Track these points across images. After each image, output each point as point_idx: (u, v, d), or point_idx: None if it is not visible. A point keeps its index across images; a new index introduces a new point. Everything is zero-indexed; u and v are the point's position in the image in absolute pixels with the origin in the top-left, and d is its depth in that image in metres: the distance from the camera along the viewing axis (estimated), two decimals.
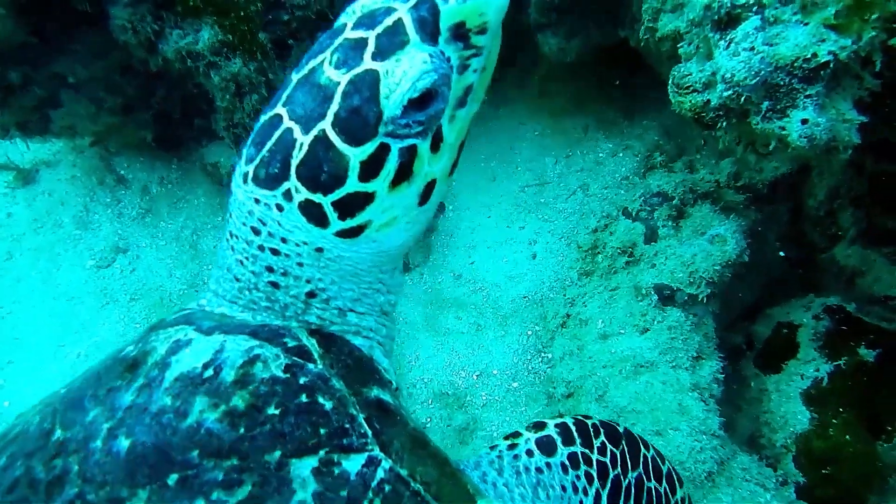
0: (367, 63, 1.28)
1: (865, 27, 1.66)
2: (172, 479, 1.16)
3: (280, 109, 1.35)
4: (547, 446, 1.68)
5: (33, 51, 3.25)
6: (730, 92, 1.78)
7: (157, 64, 3.50)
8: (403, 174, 1.36)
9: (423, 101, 1.30)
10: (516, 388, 3.30)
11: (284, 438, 1.24)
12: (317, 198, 1.34)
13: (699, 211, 2.78)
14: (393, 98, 1.27)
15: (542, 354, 3.22)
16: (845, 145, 1.77)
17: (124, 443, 1.19)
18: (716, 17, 1.82)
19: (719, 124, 1.89)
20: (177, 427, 1.21)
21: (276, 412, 1.26)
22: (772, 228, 2.94)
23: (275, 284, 1.46)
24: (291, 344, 1.39)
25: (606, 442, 1.75)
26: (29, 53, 3.25)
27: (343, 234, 1.40)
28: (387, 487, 1.26)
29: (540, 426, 1.74)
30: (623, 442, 1.79)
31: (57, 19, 3.20)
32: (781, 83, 1.73)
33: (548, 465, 1.66)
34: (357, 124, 1.29)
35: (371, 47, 1.29)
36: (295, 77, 1.36)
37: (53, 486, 1.17)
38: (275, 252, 1.44)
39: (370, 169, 1.32)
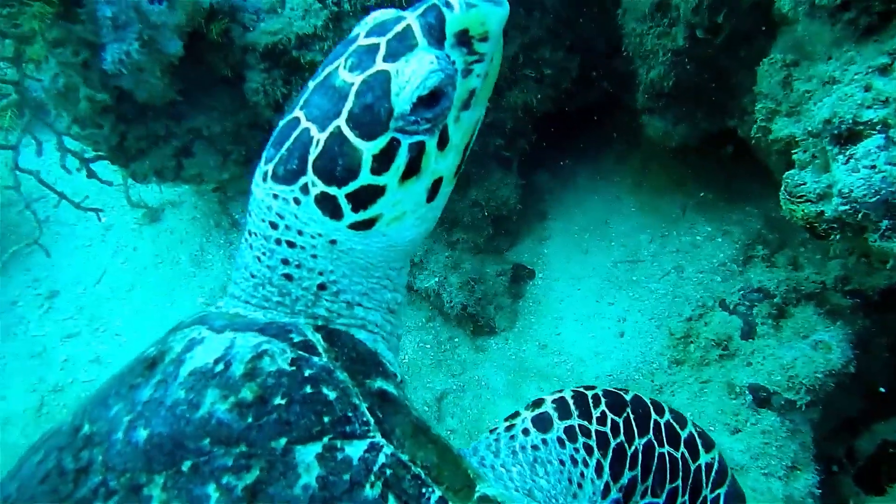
0: (379, 65, 1.38)
1: None
2: (186, 465, 1.23)
3: (298, 112, 1.44)
4: (543, 423, 1.68)
5: (178, 107, 3.54)
6: (846, 207, 1.74)
7: None
8: (413, 169, 1.42)
9: (430, 100, 1.37)
10: None
11: (290, 426, 1.29)
12: (332, 190, 1.41)
13: (802, 312, 2.68)
14: (403, 95, 1.35)
15: None
16: None
17: (143, 433, 1.27)
18: (836, 131, 1.79)
19: (833, 236, 1.84)
20: (190, 418, 1.28)
21: (283, 402, 1.32)
22: (881, 338, 2.78)
23: (288, 277, 1.53)
24: (297, 339, 1.45)
25: (607, 411, 1.72)
26: (174, 110, 3.54)
27: (356, 226, 1.46)
28: (388, 471, 1.30)
29: (538, 403, 1.73)
30: (629, 409, 1.75)
31: (201, 82, 3.48)
32: None
33: (544, 441, 1.66)
34: (370, 119, 1.37)
35: (382, 51, 1.38)
36: (312, 83, 1.45)
37: (80, 475, 1.25)
38: (291, 244, 1.51)
39: (382, 162, 1.40)
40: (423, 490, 1.31)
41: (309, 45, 3.49)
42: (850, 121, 1.76)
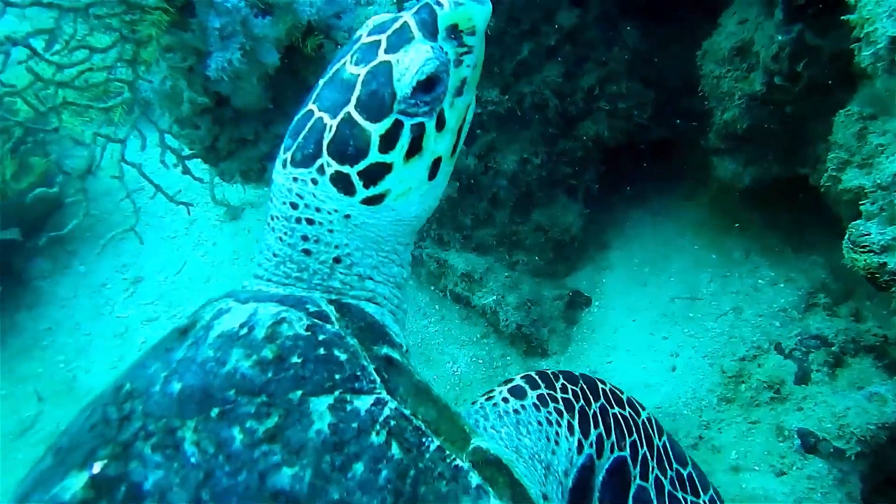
0: (381, 56, 1.58)
1: None
2: (214, 412, 1.39)
3: (311, 106, 1.63)
4: (518, 392, 1.88)
5: (268, 114, 3.75)
6: None
7: None
8: (415, 148, 1.62)
9: (428, 85, 1.58)
10: None
11: (305, 381, 1.44)
12: (345, 169, 1.59)
13: (859, 363, 2.65)
14: (404, 80, 1.56)
15: None
16: None
17: (177, 386, 1.43)
18: None
19: (893, 288, 1.85)
20: (217, 372, 1.44)
21: (299, 361, 1.46)
22: None
23: (307, 252, 1.69)
24: (312, 309, 1.59)
25: (566, 383, 1.94)
26: (264, 116, 3.76)
27: (367, 201, 1.65)
28: (392, 422, 1.43)
29: (509, 381, 1.95)
30: (581, 381, 1.99)
31: (292, 92, 3.69)
32: None
33: (522, 406, 1.85)
34: (375, 104, 1.56)
35: (383, 45, 1.58)
36: (321, 81, 1.63)
37: (123, 422, 1.41)
38: (310, 221, 1.67)
39: (388, 142, 1.59)
40: (423, 440, 1.44)
41: None
42: None
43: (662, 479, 1.97)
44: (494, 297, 4.24)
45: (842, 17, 2.01)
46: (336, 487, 1.32)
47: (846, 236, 1.96)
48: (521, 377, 1.93)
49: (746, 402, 2.83)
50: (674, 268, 4.53)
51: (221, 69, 3.21)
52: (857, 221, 1.95)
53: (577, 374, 2.00)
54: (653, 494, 1.93)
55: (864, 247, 1.90)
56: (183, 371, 1.45)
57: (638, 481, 1.93)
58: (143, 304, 5.03)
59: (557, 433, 1.84)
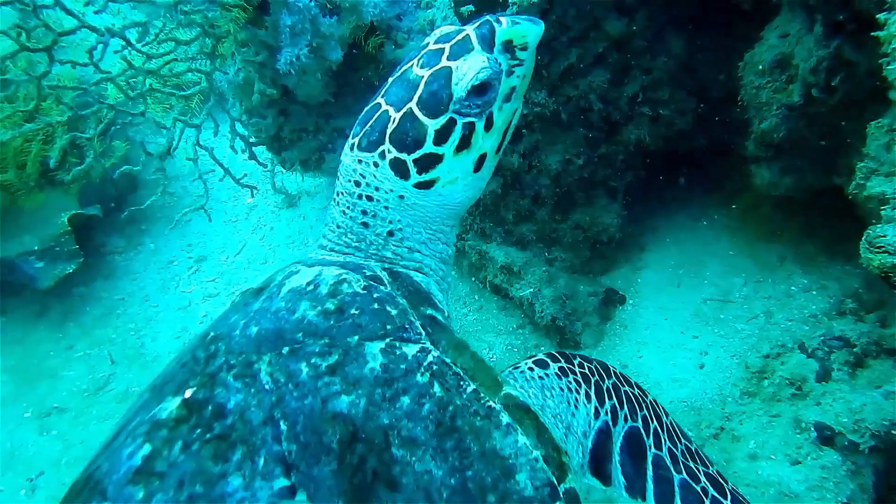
0: (444, 62, 1.78)
1: None
2: (285, 350, 1.61)
3: (379, 99, 1.85)
4: (541, 364, 2.05)
5: (328, 107, 3.98)
6: None
7: None
8: (464, 144, 1.82)
9: (481, 90, 1.78)
10: None
11: (361, 328, 1.65)
12: (402, 156, 1.81)
13: (880, 365, 2.71)
14: (461, 84, 1.75)
15: None
16: None
17: (254, 329, 1.66)
18: None
19: None
20: (288, 319, 1.66)
21: (356, 312, 1.68)
22: None
23: (365, 224, 1.94)
24: (369, 273, 1.83)
25: (583, 361, 2.12)
26: (325, 109, 3.98)
27: (419, 185, 1.86)
28: (434, 367, 1.62)
29: (532, 356, 2.11)
30: (595, 363, 2.15)
31: (352, 87, 3.90)
32: None
33: (546, 374, 2.02)
34: (434, 102, 1.77)
35: (446, 53, 1.79)
36: (391, 79, 1.85)
37: (209, 359, 1.65)
38: (369, 198, 1.90)
39: (441, 136, 1.79)
40: (461, 383, 1.62)
41: None
42: None
43: (675, 450, 2.09)
44: (531, 290, 4.38)
45: (871, 34, 2.11)
46: (386, 414, 1.52)
47: (863, 237, 2.06)
48: (544, 354, 2.11)
49: (768, 397, 2.91)
50: (708, 271, 4.60)
51: (290, 63, 3.44)
52: (875, 225, 2.05)
53: (591, 357, 2.17)
54: (668, 462, 2.05)
55: (879, 248, 1.99)
56: (259, 318, 1.68)
57: (653, 450, 2.06)
58: (206, 281, 5.33)
59: (577, 399, 2.00)
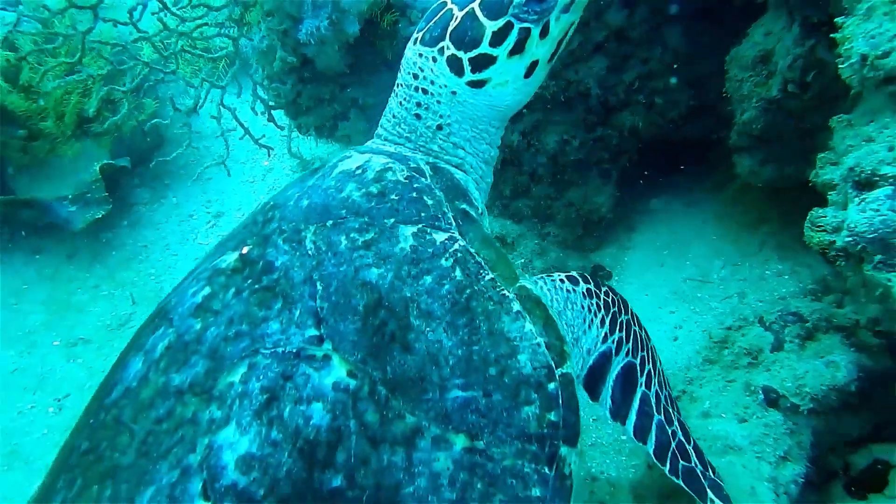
0: None
1: None
2: (329, 223, 1.78)
3: None
4: (573, 280, 2.14)
5: (344, 78, 4.16)
6: (850, 239, 2.05)
7: None
8: (518, 48, 1.89)
9: None
10: (625, 440, 3.57)
11: (398, 213, 1.80)
12: (459, 53, 1.91)
13: (829, 339, 2.91)
14: None
15: None
16: None
17: (305, 202, 1.84)
18: (857, 178, 2.09)
19: (839, 262, 2.15)
20: (335, 196, 1.83)
21: (395, 198, 1.83)
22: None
23: (418, 116, 2.04)
24: (413, 165, 1.96)
25: (609, 291, 2.21)
26: (341, 80, 4.16)
27: (471, 84, 1.95)
28: (458, 254, 1.76)
29: (565, 272, 2.20)
30: (618, 296, 2.24)
31: (367, 61, 4.09)
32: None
33: (574, 289, 2.12)
34: (496, 4, 1.86)
35: None
36: None
37: (265, 223, 1.85)
38: (424, 91, 2.01)
39: (498, 38, 1.88)
40: (481, 271, 1.75)
41: None
42: (870, 172, 2.05)
43: (660, 392, 2.25)
44: (523, 261, 4.59)
45: (830, 35, 2.28)
46: (409, 288, 1.67)
47: (807, 218, 2.25)
48: (577, 273, 2.21)
49: (727, 365, 3.12)
50: (691, 253, 4.78)
51: (310, 34, 3.62)
52: (817, 208, 2.24)
53: (616, 290, 2.28)
54: (653, 401, 2.21)
55: (819, 227, 2.19)
56: (311, 193, 1.87)
57: (642, 388, 2.20)
58: (221, 235, 5.58)
59: (592, 320, 2.12)
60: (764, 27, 3.28)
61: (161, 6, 3.31)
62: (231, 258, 1.79)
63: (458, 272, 1.72)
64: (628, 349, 2.19)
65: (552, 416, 1.65)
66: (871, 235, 1.98)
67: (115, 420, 1.62)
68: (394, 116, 2.12)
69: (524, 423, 1.61)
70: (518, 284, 1.78)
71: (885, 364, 2.88)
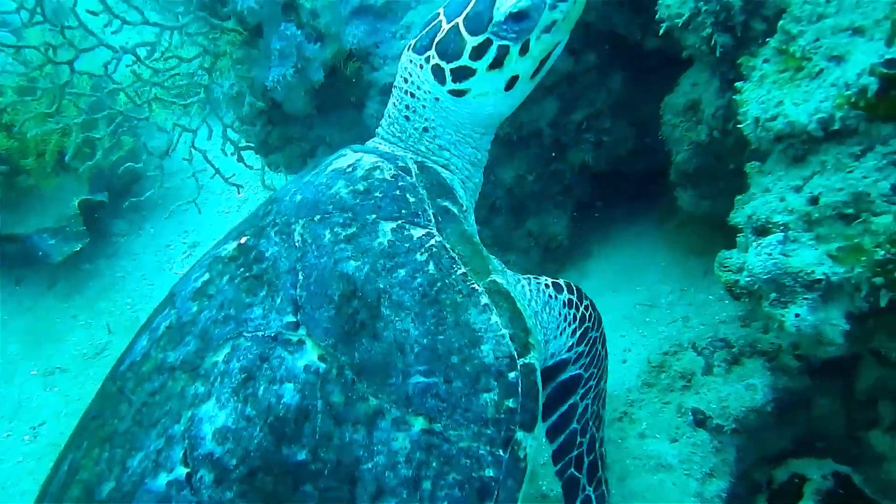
0: None
1: (856, 264, 2.07)
2: (316, 217, 1.91)
3: (440, 10, 2.08)
4: (558, 287, 2.25)
5: (312, 118, 4.35)
6: (749, 279, 2.27)
7: None
8: (497, 63, 2.00)
9: (519, 17, 1.95)
10: None
11: (380, 209, 1.90)
12: (442, 63, 2.03)
13: (752, 363, 3.13)
14: (501, 10, 1.94)
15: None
16: (830, 342, 2.18)
17: (298, 197, 1.98)
18: (755, 224, 2.32)
19: (742, 299, 2.37)
20: (325, 192, 1.96)
21: (379, 195, 1.94)
22: (819, 398, 3.19)
23: (407, 118, 2.17)
24: (401, 164, 2.07)
25: (589, 305, 2.30)
26: (308, 120, 4.36)
27: (453, 92, 2.07)
28: (433, 249, 1.86)
29: (555, 280, 2.31)
30: (597, 314, 2.35)
31: (333, 102, 4.29)
32: (787, 284, 2.18)
33: (555, 296, 2.22)
34: (477, 22, 1.97)
35: None
36: None
37: (264, 216, 2.00)
38: (412, 95, 2.14)
39: (477, 53, 1.99)
40: (454, 266, 1.84)
41: None
42: (765, 219, 2.28)
43: (591, 407, 2.40)
44: None
45: (733, 97, 2.53)
46: (383, 280, 1.79)
47: (716, 258, 2.48)
48: (564, 281, 2.30)
49: (663, 388, 3.33)
50: (644, 280, 5.01)
51: (277, 81, 3.82)
52: (724, 250, 2.47)
53: (596, 310, 2.36)
54: (579, 411, 2.34)
55: (726, 267, 2.42)
56: (304, 189, 2.02)
57: (577, 397, 2.34)
58: None
59: (565, 328, 2.21)
60: (691, 78, 3.55)
61: (135, 59, 3.49)
62: (231, 247, 1.95)
63: (431, 266, 1.81)
64: (584, 363, 2.31)
65: (510, 403, 1.73)
66: (765, 277, 2.20)
67: (118, 390, 1.79)
68: (389, 117, 2.27)
69: (482, 408, 1.70)
70: (489, 279, 1.87)
71: (805, 384, 3.11)
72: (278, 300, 1.76)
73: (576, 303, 2.24)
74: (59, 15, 3.35)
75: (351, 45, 3.97)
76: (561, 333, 2.19)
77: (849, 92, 2.02)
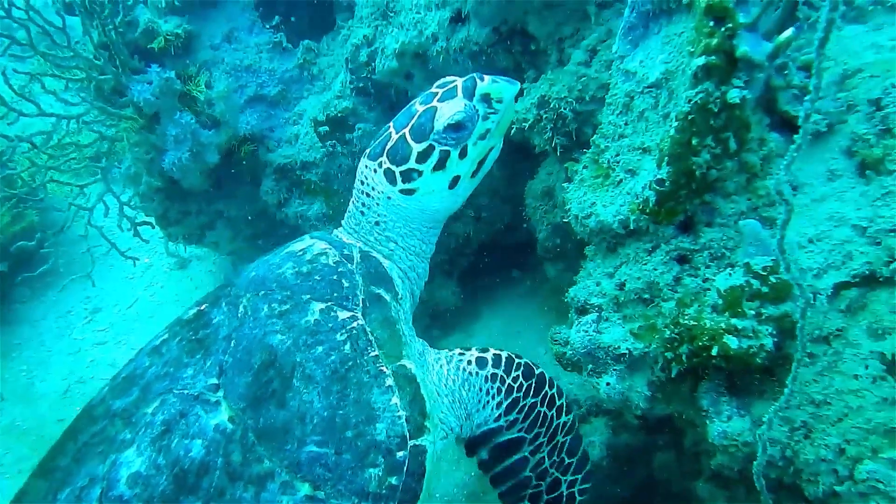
0: (433, 103, 2.19)
1: (652, 341, 2.36)
2: (261, 292, 2.06)
3: (390, 123, 2.27)
4: (482, 362, 2.30)
5: (209, 194, 4.45)
6: (571, 353, 2.54)
7: (282, 216, 4.63)
8: (440, 165, 2.18)
9: (456, 127, 2.15)
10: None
11: (315, 291, 2.03)
12: (393, 167, 2.21)
13: (598, 421, 3.40)
14: (440, 121, 2.14)
15: None
16: (635, 406, 2.45)
17: (253, 273, 2.15)
18: (577, 305, 2.60)
19: (568, 369, 2.63)
20: (273, 271, 2.12)
21: (318, 279, 2.06)
22: (657, 452, 3.47)
23: (362, 213, 2.35)
24: (346, 252, 2.21)
25: (519, 375, 2.34)
26: (206, 195, 4.45)
27: (403, 192, 2.24)
28: (354, 331, 1.97)
29: (484, 350, 2.36)
30: (533, 379, 2.37)
31: (230, 179, 4.41)
32: (600, 357, 2.46)
33: (476, 373, 2.27)
34: (420, 132, 2.16)
35: (438, 96, 2.20)
36: (402, 111, 2.27)
37: (226, 288, 2.17)
38: (367, 195, 2.31)
39: (422, 157, 2.17)
40: (369, 348, 1.95)
41: (309, 168, 4.41)
42: (584, 301, 2.57)
43: (548, 458, 2.43)
44: None
45: (563, 196, 2.84)
46: (301, 354, 1.90)
47: (549, 334, 2.74)
48: (493, 353, 2.34)
49: None
50: (522, 340, 5.28)
51: (173, 164, 3.92)
52: (555, 326, 2.73)
53: (536, 371, 2.41)
54: (531, 464, 2.37)
55: (556, 341, 2.68)
56: (260, 267, 2.18)
57: (525, 454, 2.37)
58: (97, 330, 5.59)
59: (488, 402, 2.27)
60: (547, 168, 3.91)
61: (30, 146, 3.53)
62: (191, 312, 2.10)
63: (347, 346, 1.92)
64: (522, 427, 2.35)
65: (393, 480, 1.80)
66: (583, 350, 2.48)
67: (73, 430, 1.92)
68: (348, 212, 2.45)
69: (366, 482, 1.77)
70: (399, 363, 1.98)
71: (643, 439, 3.39)
72: (208, 363, 1.90)
73: (501, 376, 2.30)
74: None
75: (245, 131, 4.12)
76: (484, 407, 2.27)
77: (638, 200, 2.36)
